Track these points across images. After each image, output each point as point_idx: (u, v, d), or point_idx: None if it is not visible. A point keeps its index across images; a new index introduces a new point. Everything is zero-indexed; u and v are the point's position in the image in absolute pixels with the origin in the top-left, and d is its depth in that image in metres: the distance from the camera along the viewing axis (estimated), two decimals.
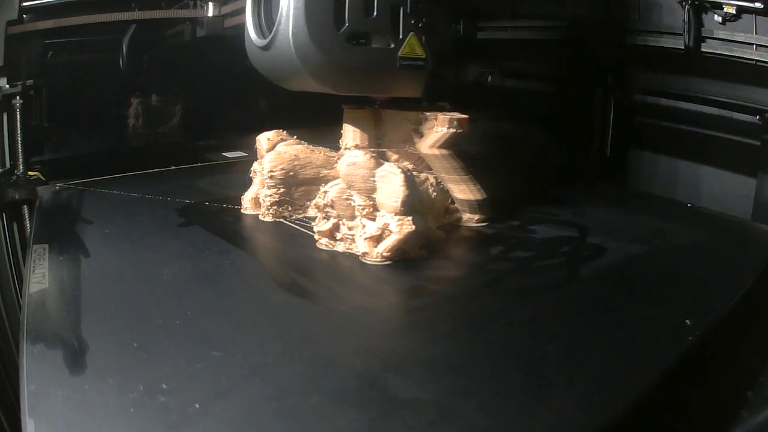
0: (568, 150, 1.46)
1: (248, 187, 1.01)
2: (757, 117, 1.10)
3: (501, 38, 1.52)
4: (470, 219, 0.96)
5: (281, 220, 0.97)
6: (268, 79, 0.96)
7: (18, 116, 1.25)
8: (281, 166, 0.95)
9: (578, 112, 1.40)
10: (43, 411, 0.47)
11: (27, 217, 1.20)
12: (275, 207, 0.97)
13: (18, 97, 1.25)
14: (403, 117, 0.97)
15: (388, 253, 0.79)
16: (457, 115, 0.93)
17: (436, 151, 0.92)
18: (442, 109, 0.96)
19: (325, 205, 0.85)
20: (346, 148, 0.96)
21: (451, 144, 0.92)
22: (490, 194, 0.96)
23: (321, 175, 0.97)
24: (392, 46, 0.88)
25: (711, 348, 0.64)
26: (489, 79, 1.60)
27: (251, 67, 0.96)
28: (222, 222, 0.96)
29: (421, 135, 0.95)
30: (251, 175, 1.01)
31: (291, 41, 0.82)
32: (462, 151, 0.94)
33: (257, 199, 0.99)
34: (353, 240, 0.83)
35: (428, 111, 0.95)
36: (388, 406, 0.49)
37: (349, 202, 0.83)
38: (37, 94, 1.34)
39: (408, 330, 0.65)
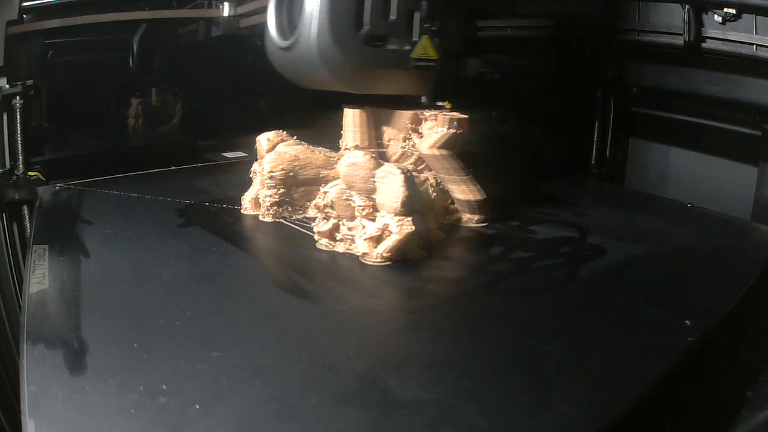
0: (568, 150, 1.46)
1: (248, 188, 1.01)
2: (757, 117, 1.10)
3: (501, 38, 1.53)
4: (470, 219, 0.96)
5: (281, 220, 0.97)
6: (287, 78, 1.00)
7: (18, 116, 1.25)
8: (281, 167, 0.95)
9: (578, 112, 1.40)
10: (44, 412, 0.47)
11: (27, 217, 1.20)
12: (275, 207, 0.97)
13: (18, 97, 1.25)
14: (402, 117, 0.97)
15: (388, 254, 0.79)
16: (457, 115, 0.93)
17: (436, 152, 0.92)
18: (442, 109, 0.96)
19: (325, 206, 0.85)
20: (346, 149, 0.96)
21: (451, 144, 0.93)
22: (490, 195, 0.96)
23: (321, 175, 0.97)
24: (407, 47, 0.93)
25: (711, 348, 0.64)
26: (489, 79, 1.60)
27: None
28: (222, 222, 0.96)
29: (421, 135, 0.95)
30: (251, 176, 1.01)
31: (315, 43, 0.87)
32: (462, 151, 0.94)
33: (257, 199, 0.99)
34: (353, 240, 0.83)
35: (428, 110, 0.96)
36: (388, 406, 0.49)
37: (349, 202, 0.83)
38: (37, 94, 1.33)
39: (408, 331, 0.65)
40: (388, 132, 0.96)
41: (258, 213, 0.99)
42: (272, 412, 0.48)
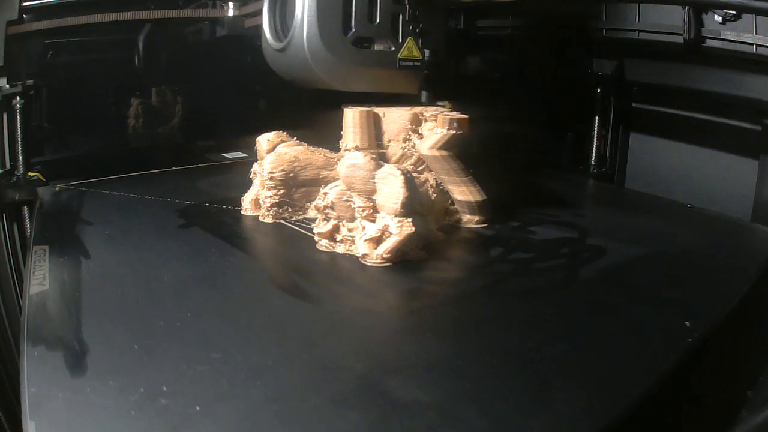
0: (568, 151, 1.46)
1: (248, 189, 1.01)
2: (758, 118, 1.10)
3: (500, 37, 1.53)
4: (470, 220, 0.96)
5: (281, 221, 0.97)
6: (283, 77, 1.07)
7: (18, 116, 1.25)
8: (281, 168, 0.95)
9: (578, 113, 1.40)
10: (44, 413, 0.47)
11: (27, 218, 1.20)
12: (275, 208, 0.97)
13: (18, 97, 1.25)
14: (402, 118, 0.97)
15: (388, 255, 0.79)
16: (457, 115, 0.93)
17: (436, 153, 0.92)
18: (442, 109, 0.96)
19: (325, 207, 0.85)
20: (346, 150, 0.96)
21: (451, 145, 0.93)
22: (489, 195, 0.96)
23: (321, 176, 0.97)
24: (392, 49, 1.00)
25: (711, 348, 0.64)
26: (487, 78, 1.60)
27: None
28: (222, 223, 0.96)
29: (421, 136, 0.95)
30: (251, 177, 1.01)
31: (305, 45, 0.94)
32: (462, 152, 0.94)
33: (257, 200, 0.99)
34: (353, 241, 0.83)
35: (429, 111, 0.96)
36: (388, 408, 0.49)
37: (349, 203, 0.83)
38: (37, 94, 1.34)
39: (408, 332, 0.65)
40: (388, 133, 0.96)
41: (258, 214, 0.99)
42: (272, 413, 0.48)
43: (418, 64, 1.02)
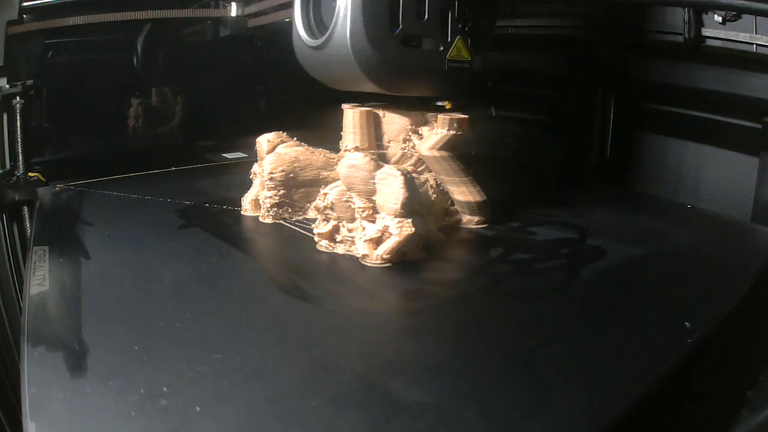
0: (568, 151, 1.46)
1: (248, 189, 1.01)
2: (758, 117, 1.10)
3: (501, 37, 1.52)
4: (470, 221, 0.96)
5: (281, 221, 0.97)
6: (316, 78, 0.98)
7: (18, 116, 1.25)
8: (281, 168, 0.95)
9: (578, 113, 1.40)
10: (44, 414, 0.47)
11: (27, 218, 1.20)
12: (275, 209, 0.97)
13: (18, 97, 1.25)
14: (402, 118, 0.97)
15: (388, 255, 0.79)
16: (457, 115, 0.93)
17: (436, 153, 0.92)
18: (442, 109, 0.96)
19: (325, 207, 0.85)
20: (346, 150, 0.96)
21: (451, 146, 0.93)
22: (489, 196, 0.96)
23: (321, 176, 0.97)
24: (441, 48, 0.90)
25: (711, 349, 0.65)
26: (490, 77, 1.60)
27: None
28: (222, 224, 0.96)
29: (421, 136, 0.95)
30: (251, 177, 1.01)
31: (348, 42, 0.84)
32: (462, 152, 0.94)
33: (257, 200, 0.99)
34: (353, 242, 0.83)
35: (429, 111, 0.96)
36: (388, 409, 0.49)
37: (349, 204, 0.83)
38: (37, 94, 1.34)
39: (408, 333, 0.65)
40: (388, 133, 0.96)
41: (258, 214, 0.99)
42: (273, 414, 0.48)
43: (467, 65, 0.93)
